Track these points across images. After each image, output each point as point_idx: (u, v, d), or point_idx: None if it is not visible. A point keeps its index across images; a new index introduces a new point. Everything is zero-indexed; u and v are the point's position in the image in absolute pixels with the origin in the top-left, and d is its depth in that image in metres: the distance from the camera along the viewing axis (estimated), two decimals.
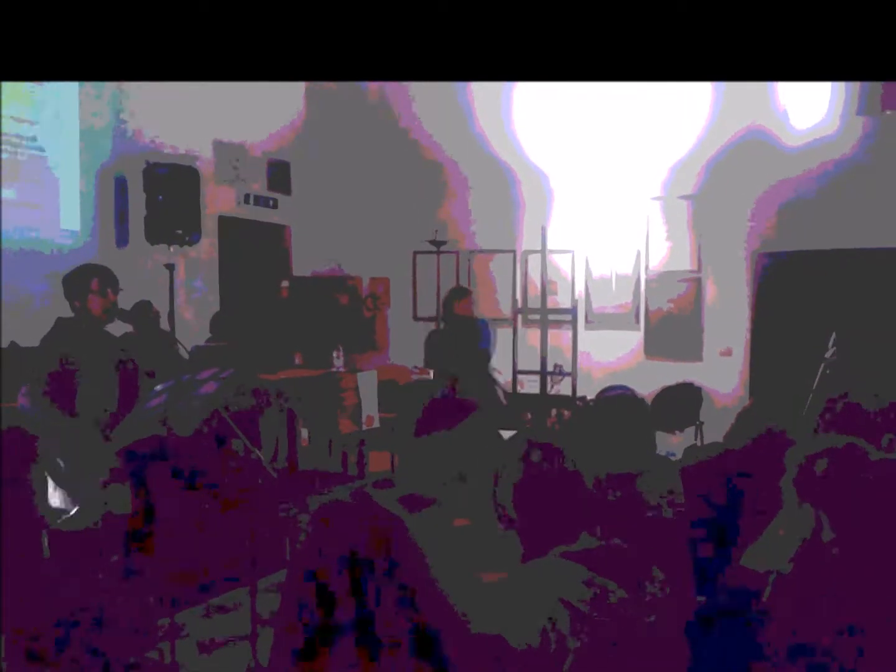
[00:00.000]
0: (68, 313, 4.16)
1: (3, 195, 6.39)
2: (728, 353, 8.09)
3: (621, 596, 1.83)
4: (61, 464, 3.80)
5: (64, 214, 6.91)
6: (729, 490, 2.56)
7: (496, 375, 8.38)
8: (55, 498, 3.77)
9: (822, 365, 6.09)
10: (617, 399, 2.93)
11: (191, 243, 7.30)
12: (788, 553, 2.16)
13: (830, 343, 6.16)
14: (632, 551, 1.95)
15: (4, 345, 5.78)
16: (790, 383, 6.43)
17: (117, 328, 4.72)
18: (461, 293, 7.19)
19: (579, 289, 8.67)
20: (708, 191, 8.08)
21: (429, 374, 7.07)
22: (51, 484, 3.79)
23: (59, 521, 3.73)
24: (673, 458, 3.65)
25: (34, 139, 6.63)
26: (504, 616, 1.76)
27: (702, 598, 2.25)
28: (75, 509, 3.76)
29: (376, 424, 7.26)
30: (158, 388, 3.77)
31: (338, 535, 1.57)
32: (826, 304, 7.31)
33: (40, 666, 3.56)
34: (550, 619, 1.74)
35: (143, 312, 6.04)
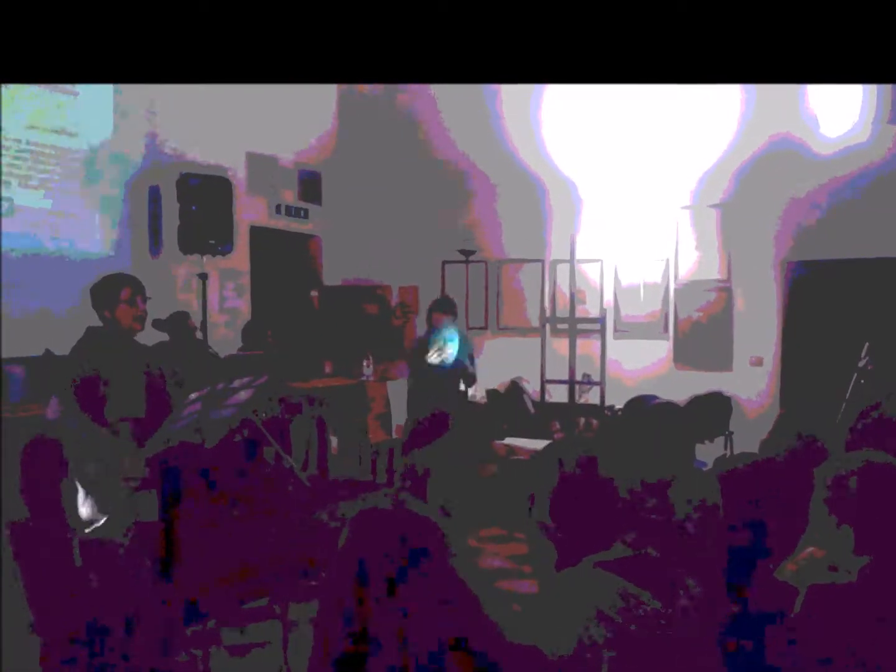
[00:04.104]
0: (99, 322, 4.19)
1: (39, 205, 6.51)
2: (758, 362, 8.04)
3: (655, 606, 1.84)
4: (91, 472, 3.83)
5: (98, 224, 7.01)
6: (764, 500, 2.55)
7: (524, 384, 8.40)
8: (85, 507, 3.80)
9: (855, 375, 6.04)
10: (658, 408, 2.93)
11: (223, 253, 7.39)
12: (822, 567, 2.16)
13: (864, 352, 6.11)
14: (665, 561, 1.96)
15: (39, 353, 5.87)
16: (822, 393, 6.39)
17: (150, 337, 4.77)
18: (441, 306, 6.52)
19: (608, 298, 8.66)
20: (737, 199, 8.05)
21: None
22: (80, 493, 3.82)
23: (87, 531, 3.76)
24: (704, 469, 3.65)
25: (69, 150, 6.74)
26: (539, 626, 1.77)
27: (735, 609, 2.25)
28: (104, 519, 3.79)
29: None
30: (193, 396, 3.81)
31: (376, 541, 1.59)
32: (857, 314, 7.25)
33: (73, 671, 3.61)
34: (585, 628, 1.75)
35: (179, 323, 6.11)
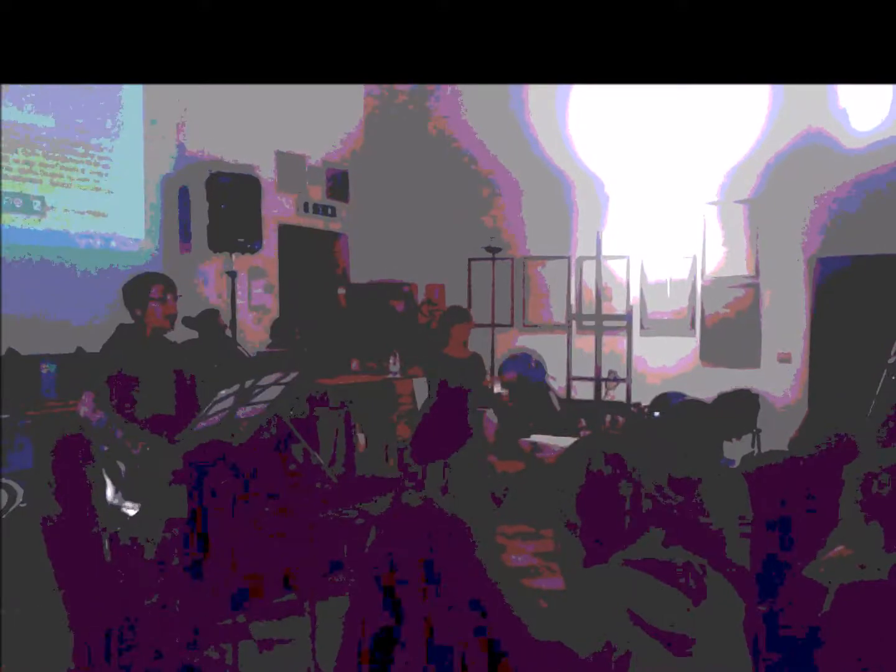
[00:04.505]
0: (130, 320, 4.25)
1: (70, 204, 6.59)
2: (786, 358, 7.98)
3: (683, 604, 1.84)
4: (122, 468, 3.88)
5: (128, 223, 7.08)
6: (793, 498, 2.54)
7: (550, 381, 8.39)
8: (116, 499, 3.86)
9: (885, 371, 5.98)
10: (684, 405, 2.93)
11: (252, 251, 7.46)
12: (851, 566, 2.15)
13: (894, 349, 6.04)
14: (693, 559, 1.96)
15: (71, 350, 5.94)
16: (851, 389, 6.33)
17: (180, 335, 4.82)
18: (461, 316, 6.11)
19: (634, 294, 8.63)
20: (765, 195, 8.00)
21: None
22: (110, 489, 3.87)
23: (121, 524, 3.81)
24: (732, 467, 3.64)
25: (99, 149, 6.81)
26: (566, 623, 1.78)
27: (763, 608, 2.25)
28: (135, 510, 3.84)
29: None
30: (223, 393, 3.84)
31: (405, 539, 1.61)
32: (887, 310, 7.18)
33: (105, 667, 3.67)
34: (613, 626, 1.76)
35: (208, 321, 6.16)
